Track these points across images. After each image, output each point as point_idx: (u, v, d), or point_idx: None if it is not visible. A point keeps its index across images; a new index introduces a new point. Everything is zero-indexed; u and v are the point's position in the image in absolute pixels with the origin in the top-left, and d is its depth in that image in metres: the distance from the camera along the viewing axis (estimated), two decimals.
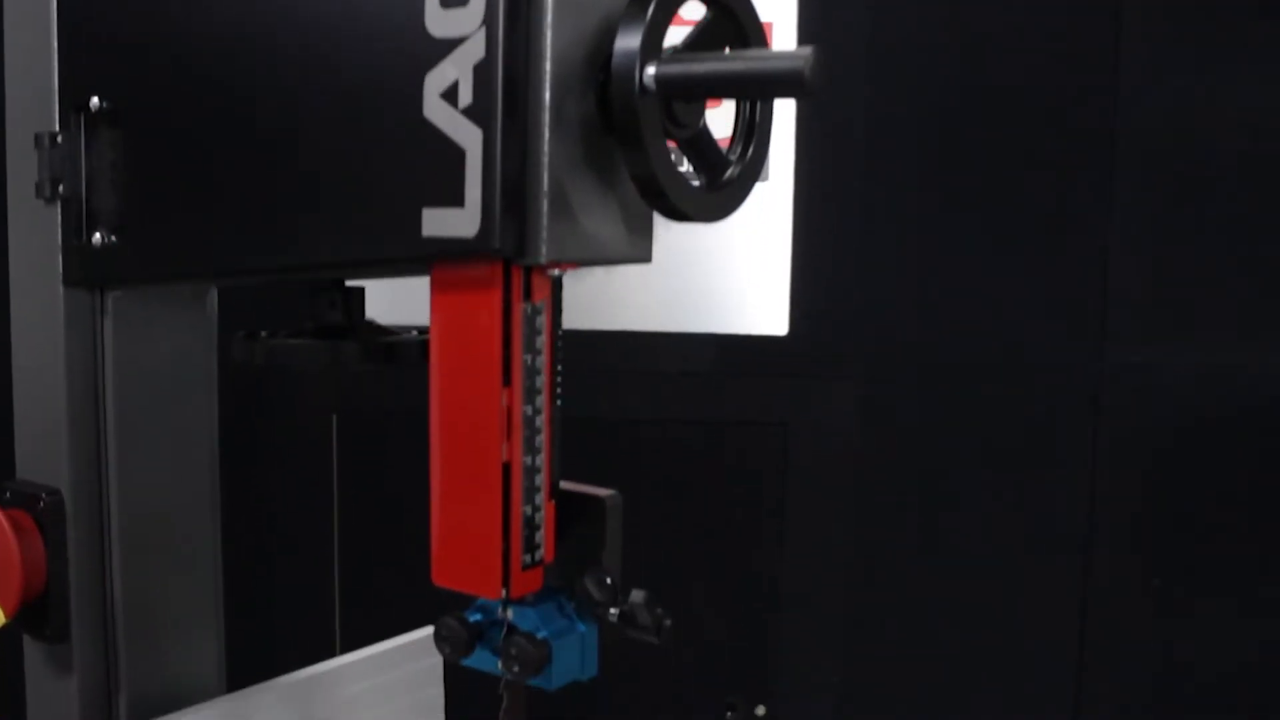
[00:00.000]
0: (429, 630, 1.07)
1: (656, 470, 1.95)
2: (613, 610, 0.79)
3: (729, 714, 1.99)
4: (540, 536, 0.74)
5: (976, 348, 1.99)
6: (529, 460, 0.73)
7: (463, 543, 0.73)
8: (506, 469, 0.72)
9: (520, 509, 0.72)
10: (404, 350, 0.86)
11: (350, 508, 1.96)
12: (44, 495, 0.99)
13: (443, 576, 0.75)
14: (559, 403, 0.75)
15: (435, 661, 1.06)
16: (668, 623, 0.78)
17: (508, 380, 0.71)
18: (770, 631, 1.96)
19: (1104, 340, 2.07)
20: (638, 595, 0.76)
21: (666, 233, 2.12)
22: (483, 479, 0.72)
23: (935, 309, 1.97)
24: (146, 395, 1.02)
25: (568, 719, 1.90)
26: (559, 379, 0.76)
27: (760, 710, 1.99)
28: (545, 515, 0.74)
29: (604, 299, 1.93)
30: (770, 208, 1.90)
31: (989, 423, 2.01)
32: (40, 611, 1.00)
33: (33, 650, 1.02)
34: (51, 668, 1.01)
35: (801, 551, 1.93)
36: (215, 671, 1.06)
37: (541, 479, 0.74)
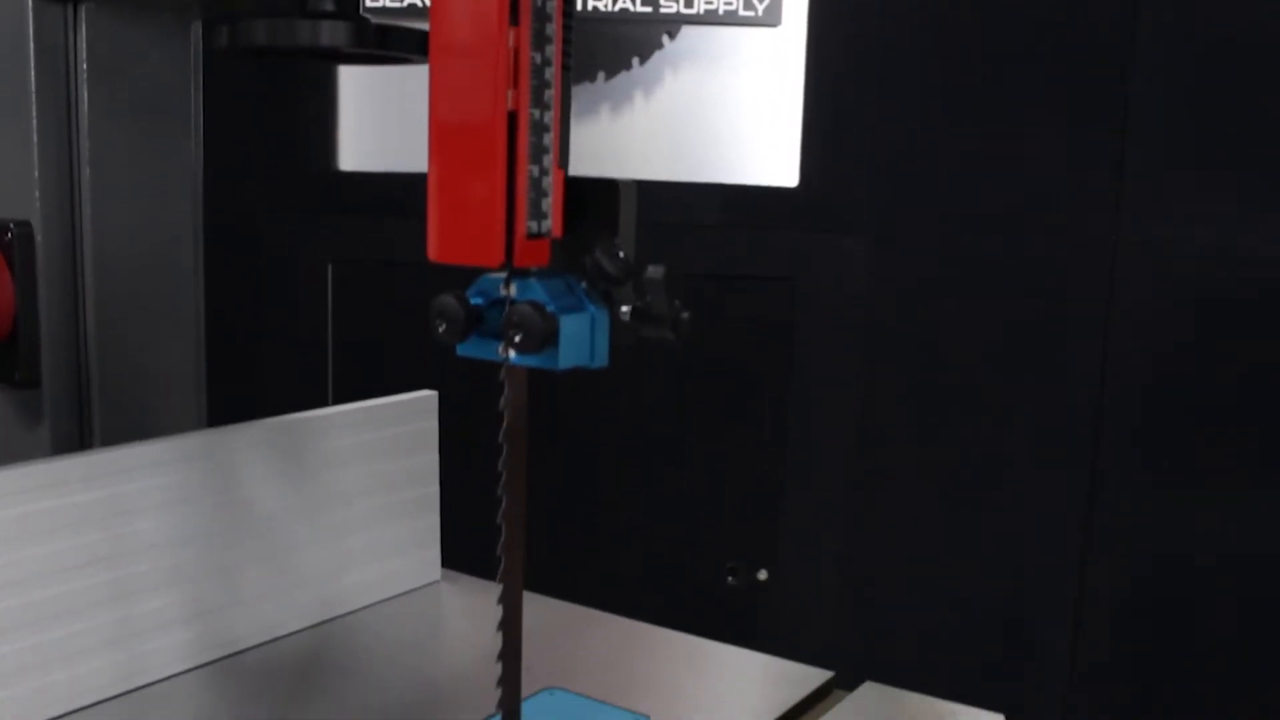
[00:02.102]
0: (427, 392, 1.01)
1: None
2: (624, 309, 0.73)
3: (730, 578, 1.95)
4: (548, 205, 0.68)
5: (990, 206, 1.92)
6: (537, 114, 0.66)
7: (463, 210, 0.67)
8: (512, 120, 0.65)
9: (526, 169, 0.66)
10: (399, 38, 0.79)
11: (343, 355, 1.90)
12: (12, 227, 0.92)
13: (440, 251, 0.69)
14: (570, 64, 0.69)
15: (430, 425, 1.00)
16: (685, 315, 0.72)
17: (515, 19, 0.64)
18: (774, 495, 1.91)
19: (1120, 211, 2.01)
20: (654, 270, 0.70)
21: (674, 79, 2.04)
22: (486, 133, 0.66)
23: (949, 165, 1.90)
24: (123, 123, 0.95)
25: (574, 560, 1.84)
26: (570, 49, 0.70)
27: (762, 574, 1.94)
28: (554, 184, 0.68)
29: (608, 147, 1.86)
30: (782, 54, 1.83)
31: (1000, 284, 1.95)
32: (9, 354, 0.94)
33: (2, 398, 0.96)
34: (22, 415, 0.95)
35: (806, 413, 1.88)
36: (195, 426, 1.00)
37: (550, 140, 0.67)
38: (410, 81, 1.90)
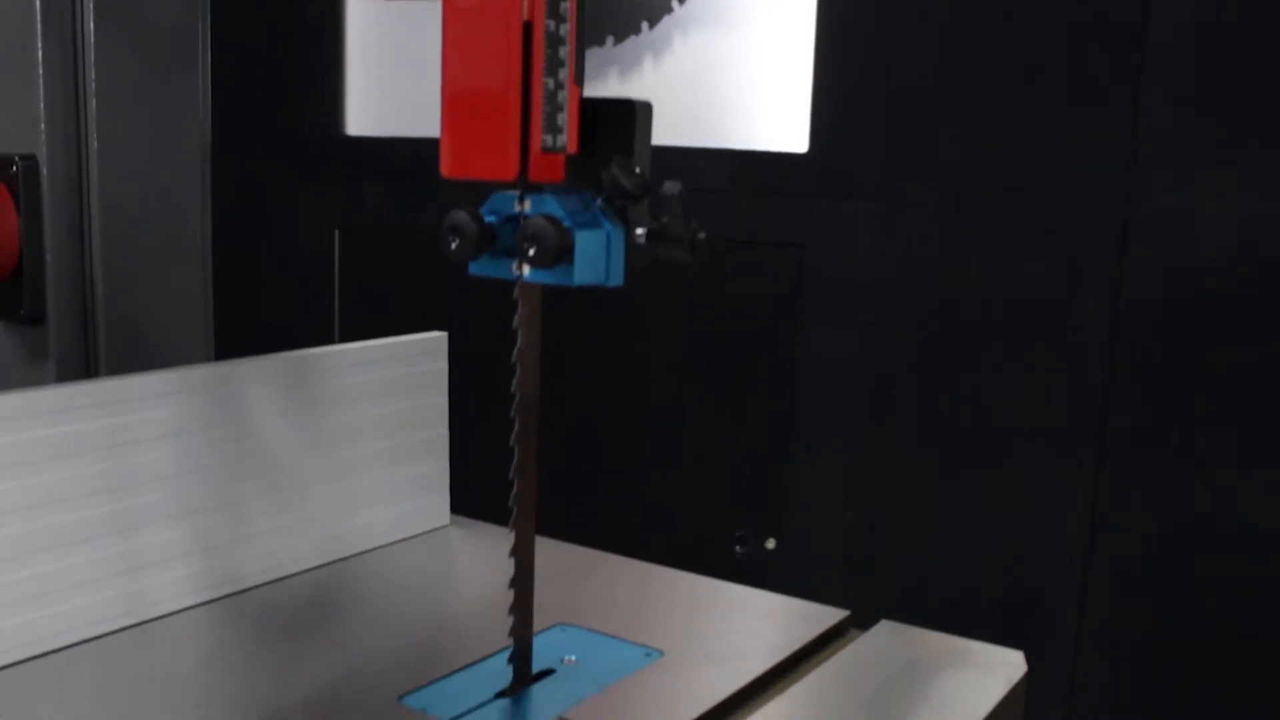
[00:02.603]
0: (437, 333, 1.00)
1: (665, 290, 1.88)
2: (640, 230, 0.71)
3: (737, 547, 1.93)
4: (563, 120, 0.67)
5: (1001, 173, 1.90)
6: (552, 26, 0.65)
7: (476, 124, 0.66)
8: (528, 30, 0.64)
9: (541, 80, 0.65)
10: None
11: (350, 319, 1.89)
12: (17, 160, 0.91)
13: (453, 166, 0.67)
14: None
15: (440, 367, 0.99)
16: (701, 235, 0.71)
17: None
18: (781, 462, 1.89)
19: (1133, 180, 1.99)
20: (670, 186, 0.69)
21: (684, 42, 2.02)
22: (500, 43, 0.64)
23: (961, 131, 1.88)
24: (130, 58, 0.94)
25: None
26: None
27: (770, 543, 1.93)
28: (569, 100, 0.67)
29: None
30: (793, 17, 1.81)
31: (1011, 253, 1.93)
32: (14, 289, 0.93)
33: (7, 335, 0.95)
34: (28, 352, 0.94)
35: (814, 380, 1.86)
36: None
37: (565, 54, 0.66)
38: (420, 44, 1.88)
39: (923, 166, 1.87)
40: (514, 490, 0.71)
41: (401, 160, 1.84)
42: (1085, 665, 2.13)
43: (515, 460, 0.70)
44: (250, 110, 1.86)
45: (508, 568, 0.72)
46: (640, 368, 1.89)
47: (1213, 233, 2.01)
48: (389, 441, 0.95)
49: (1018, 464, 1.99)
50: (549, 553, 0.76)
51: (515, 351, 0.70)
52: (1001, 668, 0.77)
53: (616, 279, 0.69)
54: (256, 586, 0.87)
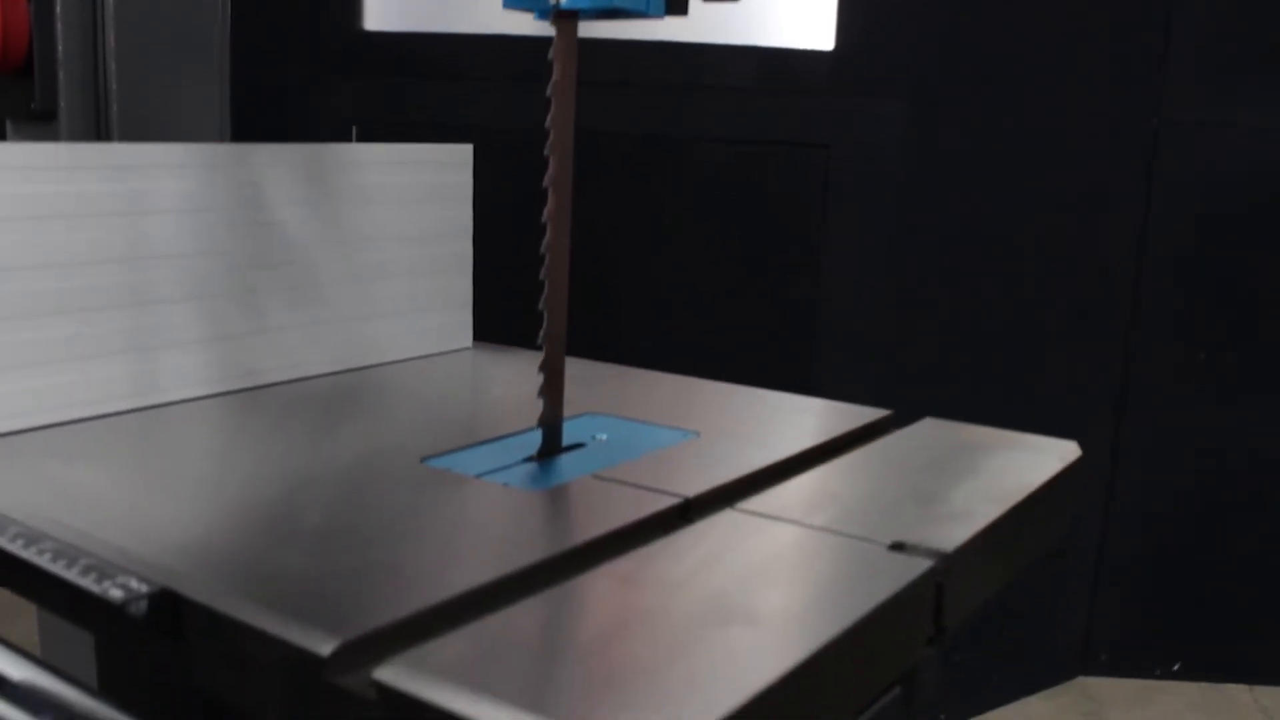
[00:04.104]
0: (462, 145, 0.97)
1: (690, 190, 1.84)
2: None
3: None
4: None
5: (1032, 74, 1.86)
6: None
7: None
8: None
9: None
10: None
11: None
12: None
13: None
14: None
15: (465, 179, 0.95)
16: None
17: None
18: (805, 364, 1.85)
19: (1164, 90, 1.95)
20: None
21: None
22: None
23: (991, 29, 1.84)
24: None
25: None
26: None
27: None
28: None
29: None
30: None
31: (1040, 155, 1.89)
32: (25, 84, 0.90)
33: (17, 134, 0.91)
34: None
35: (839, 281, 1.82)
36: None
37: None
38: None
39: (952, 65, 1.82)
40: (544, 265, 0.68)
41: (420, 56, 1.81)
42: (1104, 598, 2.09)
43: (546, 238, 0.67)
44: (268, 6, 1.83)
45: (536, 381, 0.68)
46: (666, 266, 1.85)
47: (1242, 148, 1.96)
48: (411, 250, 0.92)
49: (1043, 371, 1.95)
50: (580, 367, 0.73)
51: (549, 86, 0.66)
52: (1055, 451, 0.73)
53: (658, 9, 0.65)
54: (274, 385, 0.84)
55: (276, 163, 0.82)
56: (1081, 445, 0.74)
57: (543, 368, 0.69)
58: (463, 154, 0.94)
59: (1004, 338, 1.91)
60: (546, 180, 0.66)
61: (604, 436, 0.74)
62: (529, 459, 0.69)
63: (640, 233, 1.86)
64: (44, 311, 0.71)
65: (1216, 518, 2.10)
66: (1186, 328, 2.02)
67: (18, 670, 0.49)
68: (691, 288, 1.86)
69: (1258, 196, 2.00)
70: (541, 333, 0.68)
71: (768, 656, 0.44)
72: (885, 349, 1.84)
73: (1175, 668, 2.15)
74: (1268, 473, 2.08)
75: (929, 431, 0.77)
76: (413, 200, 0.91)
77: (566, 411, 0.71)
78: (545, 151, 0.66)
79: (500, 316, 0.95)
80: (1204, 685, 2.12)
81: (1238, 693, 2.09)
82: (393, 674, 0.42)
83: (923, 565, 0.53)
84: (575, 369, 0.70)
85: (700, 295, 1.86)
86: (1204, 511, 2.09)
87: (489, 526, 0.59)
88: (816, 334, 1.83)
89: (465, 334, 0.97)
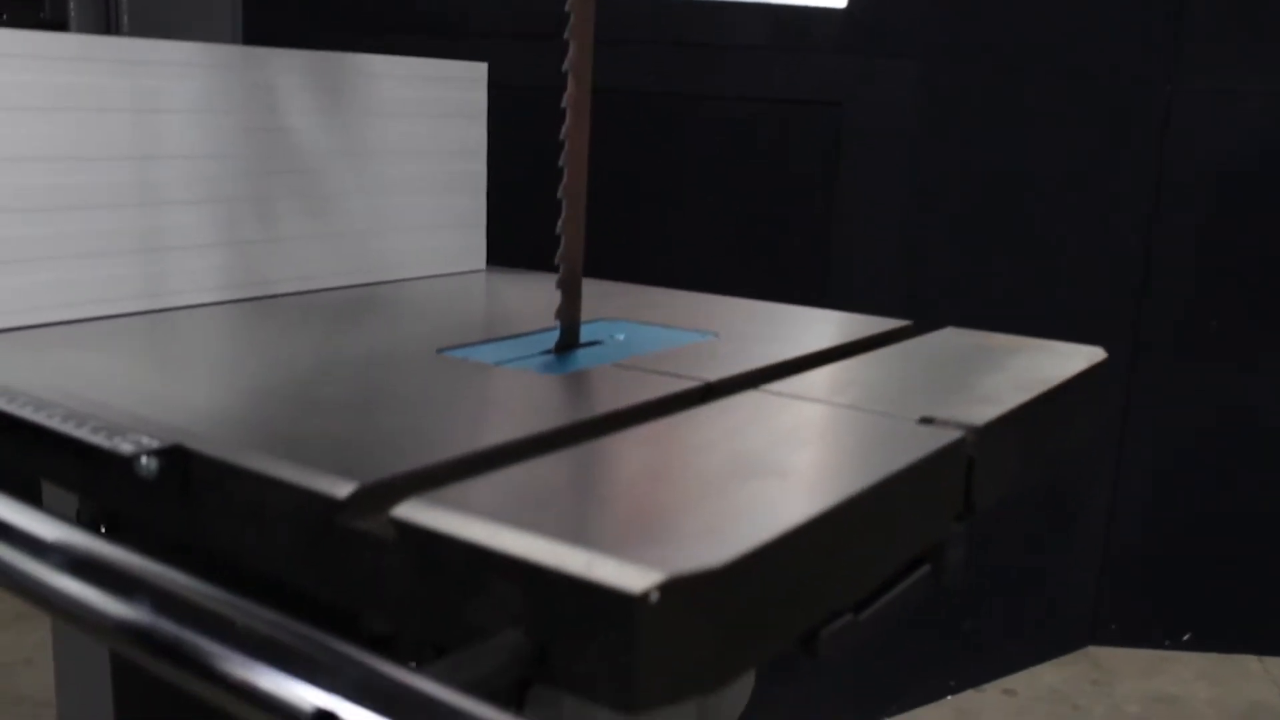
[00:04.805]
0: (478, 63, 0.95)
1: (703, 148, 1.83)
2: None
3: None
4: None
5: (1048, 34, 1.85)
6: None
7: None
8: None
9: None
10: None
11: None
12: None
13: None
14: None
15: (480, 97, 0.94)
16: None
17: None
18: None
19: (1180, 52, 1.93)
20: None
21: None
22: None
23: None
24: None
25: None
26: None
27: None
28: None
29: None
30: None
31: (1052, 117, 1.88)
32: None
33: None
34: None
35: (851, 241, 1.81)
36: None
37: None
38: None
39: (966, 22, 1.81)
40: (563, 151, 0.66)
41: (431, 13, 1.79)
42: (1114, 567, 2.08)
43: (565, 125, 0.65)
44: None
45: (553, 299, 0.67)
46: (676, 225, 1.84)
47: (1254, 111, 1.95)
48: (424, 165, 0.90)
49: (1054, 335, 1.93)
50: (597, 285, 0.72)
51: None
52: (1080, 353, 0.72)
53: None
54: (286, 295, 0.83)
55: (290, 69, 0.81)
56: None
57: (559, 261, 0.68)
58: (477, 71, 0.93)
59: (1016, 296, 1.90)
60: (565, 65, 0.65)
61: (622, 336, 0.73)
62: (547, 351, 0.68)
63: (652, 190, 1.84)
64: (53, 206, 0.70)
65: (1227, 488, 2.08)
66: (1199, 294, 2.01)
67: (52, 532, 0.48)
68: (704, 246, 1.85)
69: (1271, 162, 1.98)
70: (559, 252, 0.67)
71: (799, 501, 0.43)
72: (897, 305, 1.82)
73: (1185, 638, 2.13)
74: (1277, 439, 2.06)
75: (952, 337, 0.76)
76: (425, 114, 0.90)
77: (584, 319, 0.69)
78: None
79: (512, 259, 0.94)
80: (1214, 655, 2.10)
81: (1248, 663, 2.08)
82: (413, 510, 0.41)
83: (953, 434, 0.52)
84: (592, 287, 0.69)
85: (712, 254, 1.84)
86: (1215, 481, 2.08)
87: (509, 402, 0.58)
88: (828, 291, 1.82)
89: (479, 256, 0.96)
